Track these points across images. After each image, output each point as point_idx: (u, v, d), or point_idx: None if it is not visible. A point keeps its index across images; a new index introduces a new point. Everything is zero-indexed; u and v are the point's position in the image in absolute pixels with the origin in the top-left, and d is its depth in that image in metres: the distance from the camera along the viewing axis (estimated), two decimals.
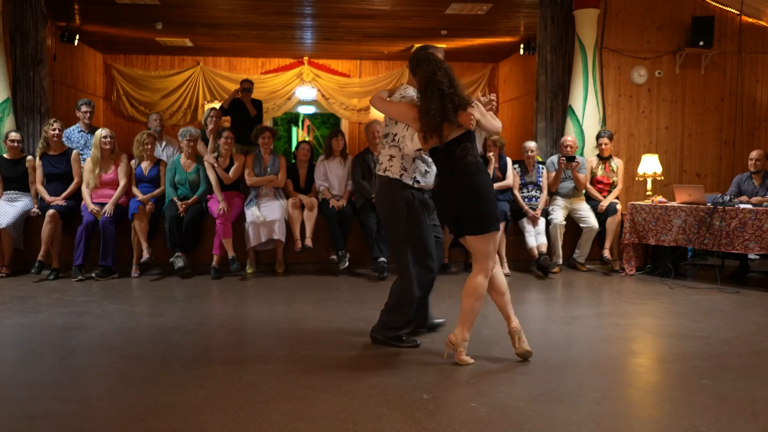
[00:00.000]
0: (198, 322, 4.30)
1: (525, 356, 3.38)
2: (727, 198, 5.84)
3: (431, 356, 3.49)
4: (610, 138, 6.86)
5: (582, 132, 7.26)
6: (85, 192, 6.07)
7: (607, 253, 6.47)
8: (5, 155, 6.28)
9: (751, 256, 6.44)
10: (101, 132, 6.18)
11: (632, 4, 7.74)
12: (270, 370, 3.24)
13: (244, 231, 6.19)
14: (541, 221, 6.43)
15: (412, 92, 3.54)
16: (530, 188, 6.60)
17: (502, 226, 6.19)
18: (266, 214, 6.18)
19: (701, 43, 7.55)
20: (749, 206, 5.64)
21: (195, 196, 6.21)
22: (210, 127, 6.94)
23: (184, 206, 6.09)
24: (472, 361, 3.34)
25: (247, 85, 8.16)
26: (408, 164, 3.57)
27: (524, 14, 8.64)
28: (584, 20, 7.35)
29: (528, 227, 6.39)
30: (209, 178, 6.28)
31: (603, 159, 6.84)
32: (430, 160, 3.60)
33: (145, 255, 5.93)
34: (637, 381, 3.29)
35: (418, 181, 3.60)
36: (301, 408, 2.73)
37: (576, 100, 7.34)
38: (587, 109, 7.29)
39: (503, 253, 6.29)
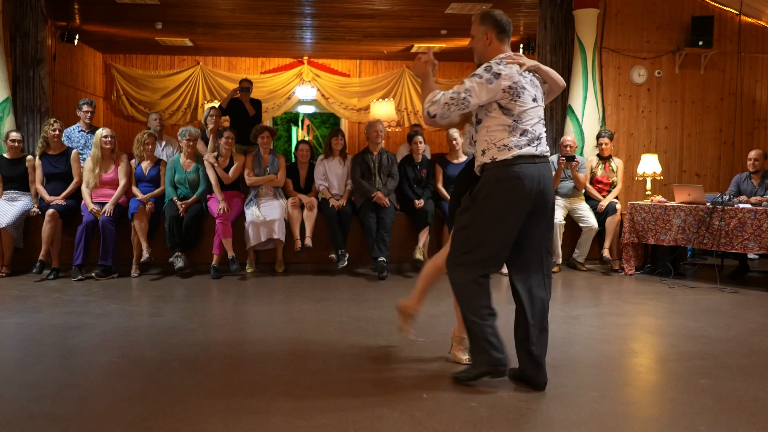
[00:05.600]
0: (198, 322, 4.30)
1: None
2: (726, 198, 5.84)
3: (431, 356, 3.49)
4: (610, 138, 6.87)
5: (582, 132, 7.27)
6: (85, 191, 6.07)
7: (606, 253, 6.48)
8: (5, 155, 6.28)
9: (751, 255, 6.45)
10: (102, 131, 6.18)
11: (632, 3, 7.75)
12: (270, 370, 3.25)
13: (244, 231, 6.19)
14: None
15: None
16: None
17: None
18: (266, 214, 6.19)
19: (701, 43, 7.56)
20: (748, 206, 5.64)
21: (195, 196, 6.22)
22: (210, 126, 6.94)
23: (184, 206, 6.09)
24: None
25: (245, 85, 8.14)
26: None
27: (524, 14, 8.64)
28: (584, 20, 7.35)
29: None
30: (209, 178, 6.28)
31: (603, 159, 6.85)
32: None
33: (145, 255, 5.93)
34: (637, 380, 3.29)
35: None
36: (301, 408, 2.73)
37: (576, 100, 7.34)
38: (587, 108, 7.29)
39: None
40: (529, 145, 2.94)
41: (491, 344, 2.94)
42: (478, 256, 2.98)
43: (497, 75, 2.91)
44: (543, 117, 3.06)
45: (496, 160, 2.94)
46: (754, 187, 6.29)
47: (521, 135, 2.94)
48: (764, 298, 5.27)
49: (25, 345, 3.78)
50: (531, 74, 3.03)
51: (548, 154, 3.04)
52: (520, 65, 2.98)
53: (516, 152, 2.92)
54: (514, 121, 2.93)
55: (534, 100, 2.99)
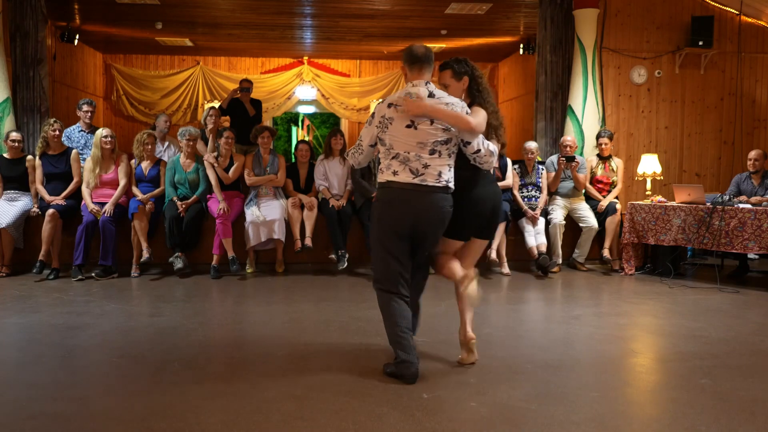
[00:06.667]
0: (198, 321, 4.30)
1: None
2: (726, 198, 5.84)
3: (431, 356, 3.49)
4: (610, 138, 6.86)
5: (582, 132, 7.27)
6: (85, 192, 6.07)
7: (606, 253, 6.48)
8: (5, 155, 6.28)
9: (751, 255, 6.45)
10: (102, 131, 6.18)
11: (632, 3, 7.75)
12: (270, 370, 3.25)
13: (244, 231, 6.19)
14: (541, 221, 6.43)
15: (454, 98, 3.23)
16: (530, 188, 6.60)
17: (502, 225, 6.21)
18: (266, 214, 6.18)
19: (701, 43, 7.56)
20: (748, 206, 5.64)
21: (195, 196, 6.21)
22: (209, 126, 6.94)
23: (184, 206, 6.09)
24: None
25: (245, 85, 8.14)
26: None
27: (524, 14, 8.65)
28: (584, 20, 7.35)
29: (527, 227, 6.39)
30: (209, 178, 6.28)
31: (603, 159, 6.84)
32: None
33: (145, 255, 5.93)
34: (637, 380, 3.29)
35: None
36: (301, 408, 2.73)
37: (576, 100, 7.34)
38: (587, 108, 7.29)
39: (503, 252, 6.29)
40: (403, 169, 3.10)
41: (401, 347, 3.10)
42: (376, 270, 3.25)
43: (374, 115, 3.24)
44: (430, 141, 3.09)
45: (378, 182, 3.24)
46: (754, 187, 6.28)
47: (393, 158, 3.13)
48: (764, 298, 5.27)
49: (25, 345, 3.78)
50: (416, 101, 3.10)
51: (439, 184, 3.11)
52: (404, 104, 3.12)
53: (389, 176, 3.14)
54: (387, 149, 3.15)
55: (408, 126, 3.10)
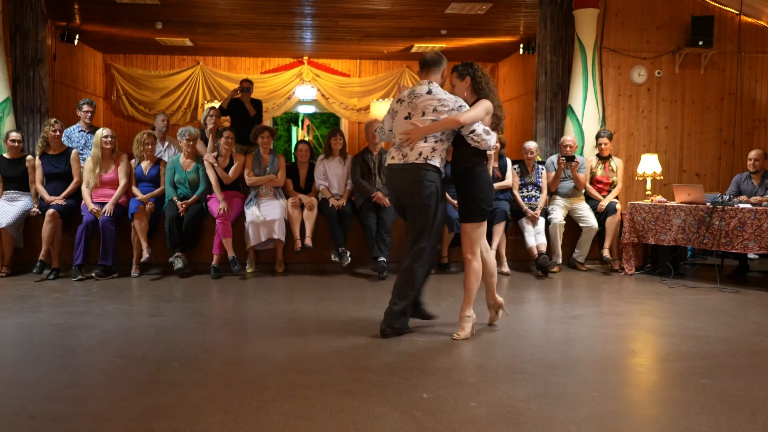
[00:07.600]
0: (198, 321, 4.30)
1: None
2: (726, 198, 5.84)
3: (431, 355, 3.49)
4: (610, 138, 6.86)
5: (581, 132, 7.27)
6: (85, 191, 6.07)
7: (606, 253, 6.47)
8: (5, 155, 6.28)
9: (751, 255, 6.45)
10: (102, 131, 6.18)
11: (632, 3, 7.75)
12: (270, 370, 3.25)
13: (244, 231, 6.19)
14: (541, 221, 6.43)
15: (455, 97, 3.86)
16: (530, 188, 6.60)
17: (502, 225, 6.21)
18: (266, 214, 6.18)
19: (701, 43, 7.57)
20: (748, 206, 5.64)
21: (195, 196, 6.21)
22: (209, 126, 6.94)
23: (184, 206, 6.09)
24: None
25: (246, 85, 8.14)
26: (444, 155, 3.86)
27: (524, 14, 8.65)
28: (584, 20, 7.35)
29: (527, 227, 6.39)
30: (209, 178, 6.28)
31: (602, 159, 6.84)
32: None
33: (145, 254, 5.93)
34: (637, 380, 3.29)
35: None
36: (301, 408, 2.73)
37: (575, 100, 7.34)
38: (587, 108, 7.29)
39: (503, 252, 6.29)
40: (397, 153, 3.83)
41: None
42: None
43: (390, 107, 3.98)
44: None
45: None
46: (754, 187, 6.29)
47: (393, 146, 3.91)
48: (764, 298, 5.27)
49: (25, 345, 3.78)
50: (412, 98, 3.80)
51: (418, 161, 3.74)
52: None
53: (389, 160, 3.90)
54: (393, 136, 3.91)
55: (406, 117, 3.81)
